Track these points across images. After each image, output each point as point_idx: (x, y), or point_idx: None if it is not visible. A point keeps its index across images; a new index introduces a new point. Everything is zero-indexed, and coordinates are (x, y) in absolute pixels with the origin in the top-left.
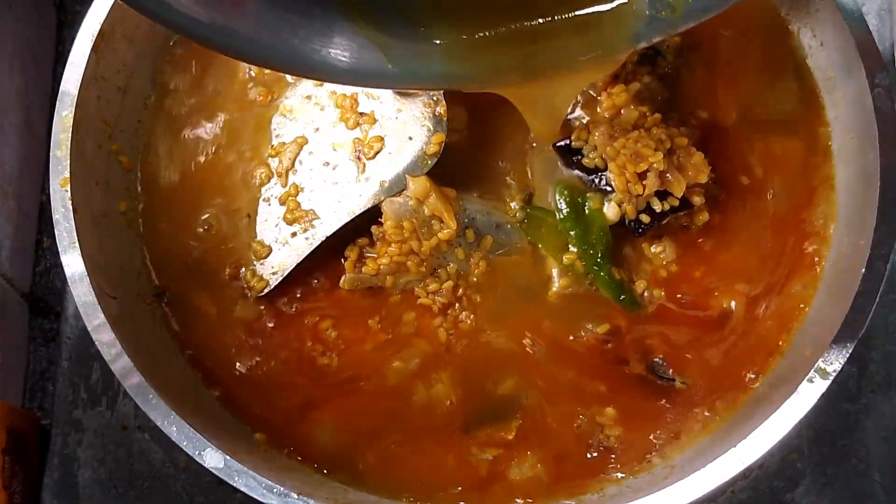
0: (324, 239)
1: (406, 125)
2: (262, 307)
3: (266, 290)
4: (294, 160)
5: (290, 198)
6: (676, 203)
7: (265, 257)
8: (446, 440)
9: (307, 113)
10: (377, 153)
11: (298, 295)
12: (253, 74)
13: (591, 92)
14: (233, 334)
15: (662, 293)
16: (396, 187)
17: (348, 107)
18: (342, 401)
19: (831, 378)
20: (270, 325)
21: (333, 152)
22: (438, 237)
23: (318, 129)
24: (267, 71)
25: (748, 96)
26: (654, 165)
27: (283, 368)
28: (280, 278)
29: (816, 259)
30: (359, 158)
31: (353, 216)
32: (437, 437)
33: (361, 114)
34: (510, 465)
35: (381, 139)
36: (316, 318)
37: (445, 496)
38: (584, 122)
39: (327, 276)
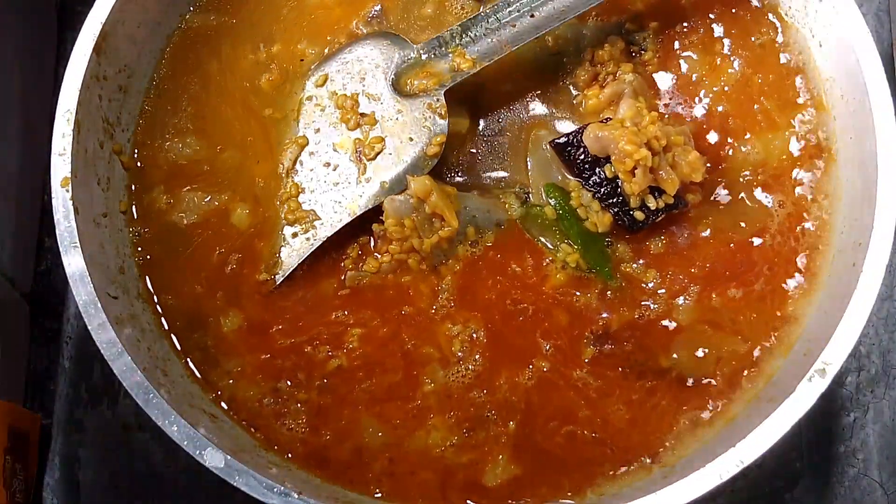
0: (325, 239)
1: (406, 126)
2: (263, 306)
3: (270, 289)
4: (295, 161)
5: (290, 198)
6: (671, 201)
7: None
8: (446, 443)
9: (308, 114)
10: (378, 154)
11: (300, 293)
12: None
13: (576, 92)
14: (233, 334)
15: (661, 288)
16: (397, 188)
17: (349, 107)
18: (343, 401)
19: (830, 378)
20: (272, 323)
21: (334, 153)
22: (439, 235)
23: (318, 130)
24: (270, 77)
25: (744, 96)
26: (641, 162)
27: (284, 367)
28: (282, 278)
29: (815, 259)
30: (359, 159)
31: (353, 217)
32: (435, 439)
33: (362, 114)
34: (511, 464)
35: (382, 140)
36: (319, 317)
37: (442, 496)
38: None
39: (329, 274)
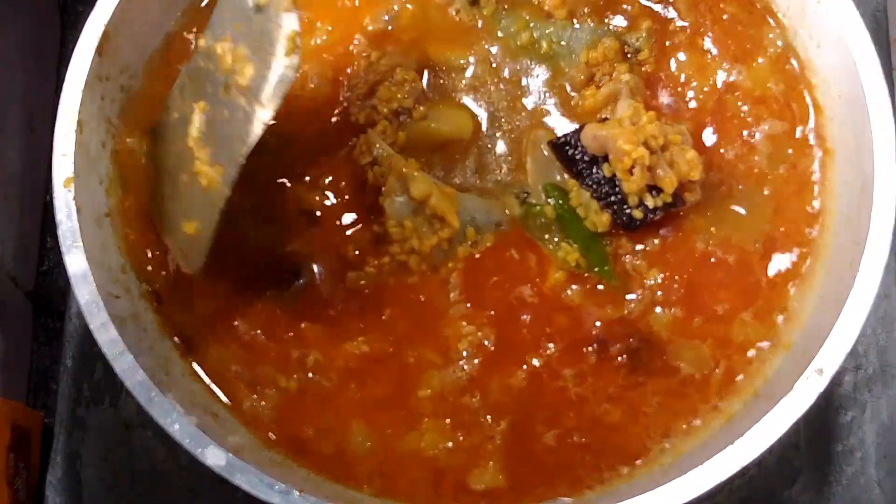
0: (229, 188)
1: (265, 39)
2: (266, 305)
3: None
4: (199, 130)
5: (198, 161)
6: (669, 199)
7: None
8: (441, 441)
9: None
10: (249, 79)
11: (301, 294)
12: None
13: (573, 94)
14: (232, 333)
15: (660, 286)
16: (272, 103)
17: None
18: (342, 402)
19: (828, 377)
20: (272, 323)
21: (224, 101)
22: (440, 236)
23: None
24: None
25: (741, 95)
26: (639, 161)
27: (284, 367)
28: (203, 251)
29: (813, 258)
30: (238, 93)
31: (250, 148)
32: (428, 442)
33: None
34: (507, 463)
35: (249, 63)
36: (319, 317)
37: (448, 498)
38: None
39: (329, 276)
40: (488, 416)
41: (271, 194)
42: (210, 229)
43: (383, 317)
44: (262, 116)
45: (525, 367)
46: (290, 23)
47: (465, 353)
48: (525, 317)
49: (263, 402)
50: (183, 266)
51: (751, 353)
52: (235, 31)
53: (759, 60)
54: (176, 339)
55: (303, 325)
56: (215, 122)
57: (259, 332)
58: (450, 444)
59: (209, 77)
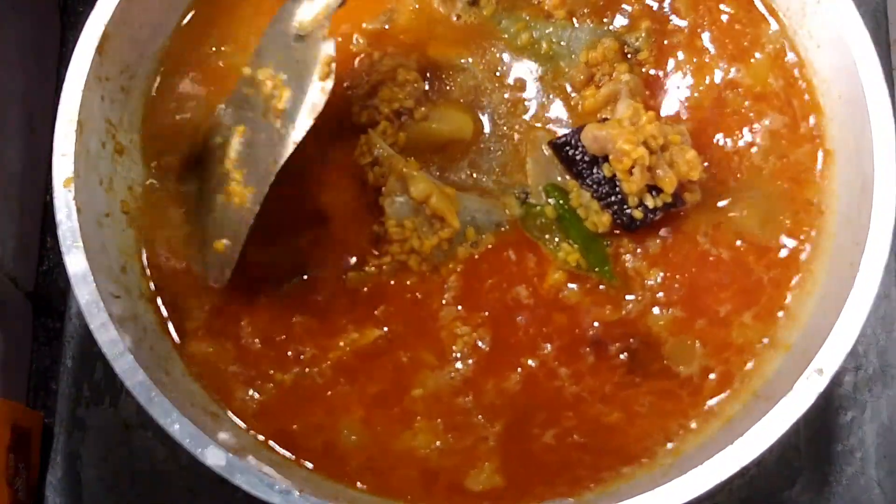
0: (258, 206)
1: (305, 67)
2: (264, 303)
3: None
4: (237, 152)
5: (234, 182)
6: (669, 199)
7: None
8: (433, 442)
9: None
10: (286, 104)
11: (300, 295)
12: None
13: (573, 94)
14: (229, 331)
15: (660, 287)
16: (302, 125)
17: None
18: (336, 399)
19: (828, 377)
20: (269, 321)
21: (262, 124)
22: (440, 236)
23: (251, 115)
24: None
25: (740, 95)
26: (639, 161)
27: (280, 364)
28: (230, 267)
29: (813, 258)
30: (275, 116)
31: (279, 166)
32: (421, 442)
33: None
34: (504, 464)
35: (287, 88)
36: (317, 315)
37: (441, 497)
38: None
39: (329, 276)
40: (481, 417)
41: (271, 194)
42: (238, 245)
43: (381, 316)
44: (294, 136)
45: (520, 368)
46: (327, 49)
47: (459, 355)
48: (521, 318)
49: (258, 398)
50: (210, 281)
51: (751, 353)
52: (277, 59)
53: (757, 56)
54: (173, 336)
55: (301, 323)
56: (253, 145)
57: (256, 329)
58: (440, 444)
59: (250, 103)
